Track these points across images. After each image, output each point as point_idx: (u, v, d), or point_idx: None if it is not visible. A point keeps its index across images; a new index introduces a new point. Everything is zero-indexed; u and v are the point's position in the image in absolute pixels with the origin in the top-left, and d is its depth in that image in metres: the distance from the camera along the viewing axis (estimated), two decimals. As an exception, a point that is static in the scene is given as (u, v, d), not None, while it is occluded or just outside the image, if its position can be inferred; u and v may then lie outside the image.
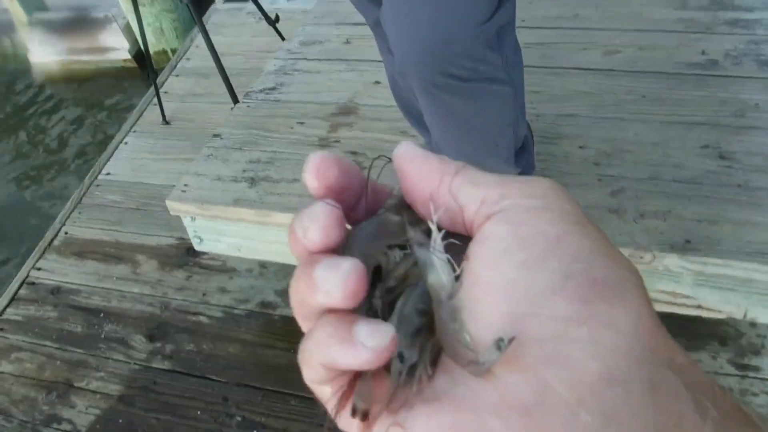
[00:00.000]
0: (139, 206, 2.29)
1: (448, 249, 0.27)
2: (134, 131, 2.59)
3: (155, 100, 2.58)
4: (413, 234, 0.29)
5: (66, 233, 2.26)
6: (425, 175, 0.28)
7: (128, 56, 3.56)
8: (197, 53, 2.91)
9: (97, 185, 2.40)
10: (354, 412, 0.26)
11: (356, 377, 0.26)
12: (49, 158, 3.36)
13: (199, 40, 2.97)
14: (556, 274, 0.23)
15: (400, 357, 0.26)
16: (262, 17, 2.51)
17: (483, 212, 0.26)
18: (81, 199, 2.36)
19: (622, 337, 0.22)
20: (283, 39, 2.51)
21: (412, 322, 0.27)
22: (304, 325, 0.28)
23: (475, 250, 0.25)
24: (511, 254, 0.24)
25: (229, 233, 1.75)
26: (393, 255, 0.29)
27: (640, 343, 0.23)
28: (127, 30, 3.49)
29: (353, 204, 0.30)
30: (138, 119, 2.65)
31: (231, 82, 2.23)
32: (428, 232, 0.28)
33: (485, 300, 0.24)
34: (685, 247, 1.49)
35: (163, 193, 2.29)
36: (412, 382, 0.25)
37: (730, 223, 1.50)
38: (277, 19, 2.51)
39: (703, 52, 1.95)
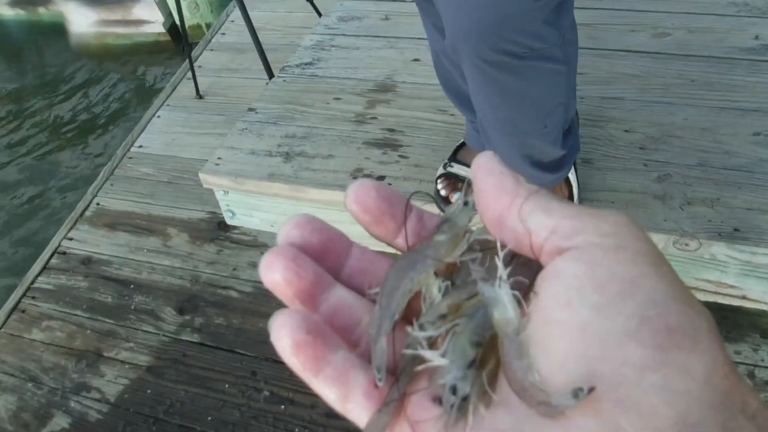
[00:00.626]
0: (171, 179, 2.28)
1: (512, 275, 0.27)
2: (167, 105, 2.58)
3: (189, 74, 2.57)
4: (475, 268, 0.29)
5: (98, 204, 2.25)
6: (498, 193, 0.28)
7: (162, 30, 3.55)
8: (233, 28, 2.88)
9: (130, 158, 2.39)
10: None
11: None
12: (82, 129, 3.37)
13: (235, 14, 2.94)
14: (631, 319, 0.23)
15: (453, 389, 0.26)
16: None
17: (553, 243, 0.26)
18: (113, 171, 2.36)
19: (696, 384, 0.22)
20: (320, 15, 2.47)
21: (466, 354, 0.27)
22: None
23: (546, 286, 0.26)
24: (585, 295, 0.24)
25: (263, 208, 1.73)
26: (440, 284, 0.29)
27: (714, 389, 0.22)
28: (162, 4, 3.48)
29: (397, 231, 0.31)
30: (171, 93, 2.63)
31: (267, 57, 2.20)
32: (486, 261, 0.29)
33: (557, 340, 0.24)
34: (733, 235, 1.44)
35: (196, 167, 2.28)
36: (464, 414, 0.26)
37: (782, 213, 1.44)
38: (314, -7, 2.48)
39: (756, 37, 1.88)
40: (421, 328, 0.28)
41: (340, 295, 0.32)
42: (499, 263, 0.28)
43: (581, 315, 0.24)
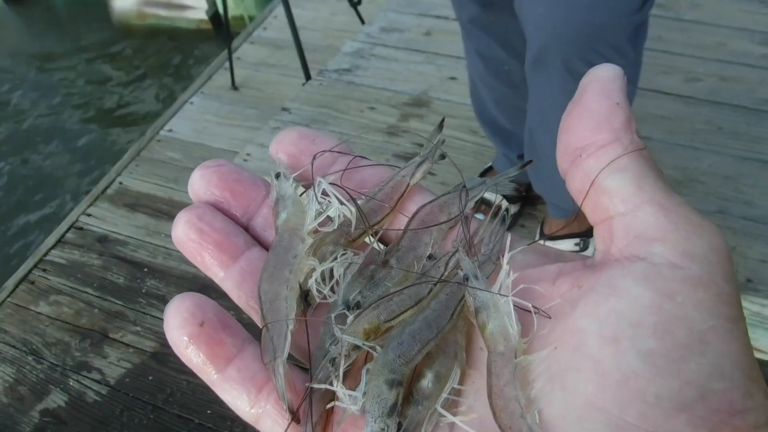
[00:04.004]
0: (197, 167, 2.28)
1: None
2: (202, 92, 2.59)
3: (227, 64, 2.57)
4: (467, 263, 0.24)
5: (120, 183, 2.26)
6: (598, 124, 0.24)
7: (205, 17, 3.56)
8: (275, 24, 2.89)
9: (158, 140, 2.40)
10: None
11: None
12: (114, 107, 3.39)
13: (279, 10, 2.95)
14: (690, 387, 0.18)
15: None
16: (344, -4, 2.48)
17: (624, 233, 0.21)
18: (140, 152, 2.37)
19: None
20: (363, 22, 2.47)
21: (383, 399, 0.23)
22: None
23: (591, 303, 0.20)
24: (640, 335, 0.18)
25: (285, 208, 1.73)
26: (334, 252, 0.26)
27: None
28: (208, -9, 3.49)
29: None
30: (207, 81, 2.64)
31: (306, 57, 2.21)
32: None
33: (586, 381, 0.19)
34: (745, 286, 1.44)
35: (224, 157, 2.27)
36: None
37: (800, 271, 1.43)
38: (359, 1, 2.47)
39: (788, 92, 1.88)
40: (333, 363, 0.25)
41: (252, 258, 0.29)
42: (505, 266, 0.23)
43: (628, 361, 0.18)
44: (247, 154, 1.72)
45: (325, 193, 0.28)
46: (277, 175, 0.26)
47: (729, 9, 2.22)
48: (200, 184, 0.31)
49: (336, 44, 2.72)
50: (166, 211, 2.14)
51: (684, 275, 0.19)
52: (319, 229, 0.28)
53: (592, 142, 0.23)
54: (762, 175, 1.65)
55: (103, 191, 2.24)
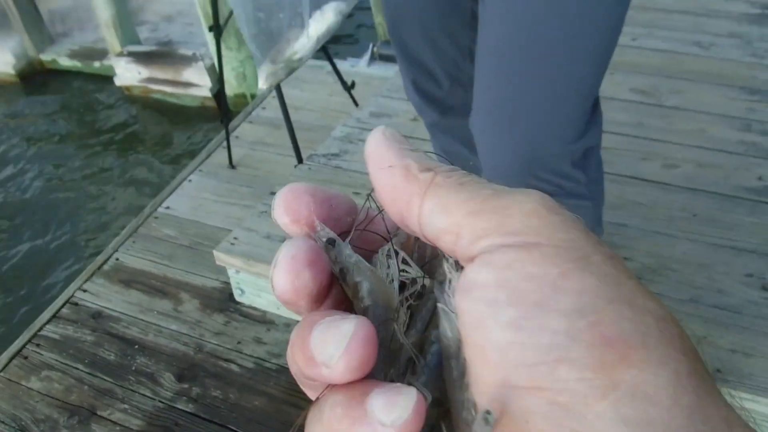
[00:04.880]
0: (192, 244, 2.35)
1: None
2: (200, 170, 2.68)
3: (225, 143, 2.68)
4: (435, 280, 0.23)
5: (117, 259, 2.33)
6: (392, 193, 0.23)
7: (209, 94, 3.71)
8: (273, 104, 2.99)
9: (156, 217, 2.48)
10: None
11: None
12: (115, 181, 3.49)
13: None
14: (557, 336, 0.18)
15: None
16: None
17: (461, 250, 0.21)
18: (137, 228, 2.44)
19: (657, 410, 0.17)
20: (356, 105, 2.58)
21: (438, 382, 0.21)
22: (310, 393, 0.23)
23: (460, 303, 0.20)
24: (498, 311, 0.19)
25: (270, 290, 1.78)
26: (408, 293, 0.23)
27: (683, 414, 0.17)
28: (212, 70, 3.64)
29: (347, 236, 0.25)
30: (206, 159, 2.74)
31: (301, 137, 2.29)
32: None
33: (480, 369, 0.20)
34: (715, 376, 1.45)
35: (218, 235, 2.36)
36: None
37: (765, 357, 1.46)
38: (353, 85, 2.59)
39: (760, 178, 1.93)
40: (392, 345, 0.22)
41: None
42: (447, 265, 0.22)
43: (497, 337, 0.19)
44: (234, 238, 1.79)
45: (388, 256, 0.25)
46: (332, 242, 0.24)
47: (710, 95, 2.29)
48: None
49: (332, 125, 2.83)
50: (159, 288, 2.20)
51: (515, 245, 0.20)
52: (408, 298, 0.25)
53: (400, 211, 0.23)
54: (735, 263, 1.70)
55: (100, 267, 2.31)
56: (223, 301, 2.12)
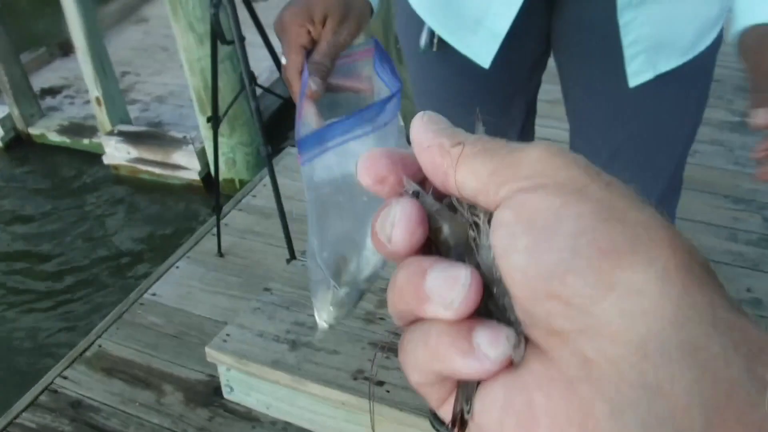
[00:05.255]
0: (178, 333, 2.33)
1: None
2: (188, 257, 2.68)
3: (214, 230, 2.69)
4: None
5: (100, 346, 2.29)
6: (434, 172, 0.26)
7: (197, 177, 3.74)
8: (264, 192, 3.04)
9: (141, 304, 2.46)
10: (457, 418, 0.24)
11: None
12: (101, 264, 3.46)
13: (268, 180, 3.11)
14: (563, 253, 0.21)
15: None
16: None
17: (491, 202, 0.24)
18: (122, 314, 2.42)
19: (649, 301, 0.20)
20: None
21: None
22: (402, 325, 0.26)
23: (493, 242, 0.24)
24: (516, 240, 0.22)
25: (261, 390, 1.77)
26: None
27: (671, 302, 0.20)
28: (201, 153, 3.69)
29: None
30: (194, 246, 2.74)
31: (292, 228, 2.32)
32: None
33: (509, 288, 0.23)
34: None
35: (204, 325, 2.35)
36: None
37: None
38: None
39: (749, 290, 1.98)
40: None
41: None
42: (483, 216, 0.26)
43: (516, 261, 0.22)
44: (227, 335, 1.79)
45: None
46: (417, 194, 0.27)
47: (695, 203, 2.33)
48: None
49: (320, 216, 2.87)
50: (142, 378, 2.17)
51: (527, 188, 0.23)
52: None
53: (444, 187, 0.26)
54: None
55: (82, 353, 2.27)
56: (207, 395, 2.09)
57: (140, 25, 5.43)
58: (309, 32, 0.70)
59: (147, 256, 3.41)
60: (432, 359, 0.24)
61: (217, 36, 2.02)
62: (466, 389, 0.24)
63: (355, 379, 1.67)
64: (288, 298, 1.92)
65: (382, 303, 1.92)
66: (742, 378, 0.19)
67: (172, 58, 4.63)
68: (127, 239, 3.58)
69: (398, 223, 0.25)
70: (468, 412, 0.24)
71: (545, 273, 0.21)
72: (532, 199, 0.23)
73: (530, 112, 1.23)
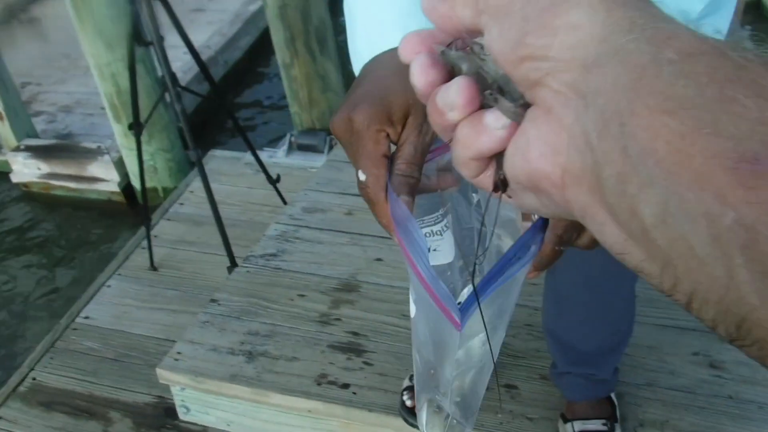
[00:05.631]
0: (118, 356, 2.20)
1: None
2: (119, 274, 2.54)
3: (144, 243, 2.56)
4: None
5: (34, 379, 2.15)
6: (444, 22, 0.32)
7: (116, 189, 3.56)
8: (192, 198, 2.92)
9: (74, 329, 2.32)
10: (499, 181, 0.31)
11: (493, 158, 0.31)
12: (22, 291, 3.24)
13: (195, 185, 2.99)
14: (519, 23, 0.27)
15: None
16: (260, 169, 2.55)
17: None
18: (54, 342, 2.27)
19: (583, 31, 0.25)
20: (285, 202, 2.55)
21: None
22: (446, 136, 0.32)
23: (485, 45, 0.30)
24: (491, 32, 0.28)
25: (220, 407, 1.69)
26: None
27: (598, 26, 0.25)
28: (119, 164, 3.51)
29: None
30: (124, 261, 2.61)
31: (229, 233, 2.23)
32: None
33: (503, 70, 0.29)
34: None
35: (146, 345, 2.23)
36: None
37: (726, 437, 1.51)
38: (278, 179, 2.56)
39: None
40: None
41: None
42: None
43: (495, 46, 0.28)
44: (178, 353, 1.69)
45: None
46: (442, 52, 0.33)
47: None
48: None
49: (256, 219, 2.78)
50: (85, 408, 2.04)
51: None
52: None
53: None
54: (680, 342, 1.74)
55: (15, 389, 2.12)
56: (157, 417, 1.99)
57: (33, 27, 5.12)
58: (388, 135, 0.54)
59: (73, 277, 3.22)
60: (465, 148, 0.31)
61: (135, 37, 1.90)
62: (499, 159, 0.31)
63: (319, 384, 1.61)
64: (237, 307, 1.84)
65: (336, 303, 1.86)
66: (651, 62, 0.23)
67: (75, 64, 4.39)
68: (48, 262, 3.37)
69: (414, 70, 0.32)
70: (503, 176, 0.31)
71: (512, 44, 0.27)
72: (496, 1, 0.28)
73: None
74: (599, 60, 0.24)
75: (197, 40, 2.16)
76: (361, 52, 0.60)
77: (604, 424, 1.45)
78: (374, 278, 1.94)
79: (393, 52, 0.58)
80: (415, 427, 1.47)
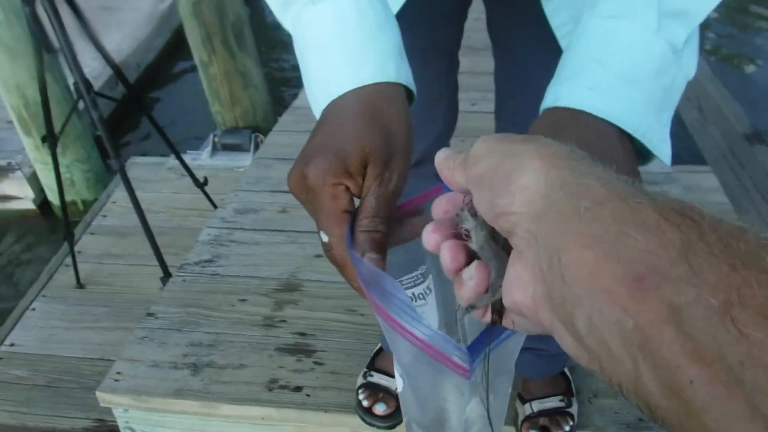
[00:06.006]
0: (50, 382, 2.08)
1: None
2: (43, 296, 2.41)
3: (67, 260, 2.43)
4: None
5: (-40, 415, 2.01)
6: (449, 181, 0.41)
7: (32, 206, 3.38)
8: (114, 210, 2.80)
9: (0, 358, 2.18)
10: (496, 316, 0.39)
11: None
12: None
13: (117, 195, 2.87)
14: (489, 188, 0.35)
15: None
16: (185, 173, 2.46)
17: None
18: (-21, 374, 2.13)
19: (531, 191, 0.32)
20: (214, 206, 2.46)
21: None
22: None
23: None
24: (478, 200, 0.37)
25: (167, 424, 1.61)
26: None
27: (541, 185, 0.31)
28: (32, 179, 3.33)
29: None
30: (48, 282, 2.47)
31: (159, 242, 2.13)
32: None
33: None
34: (638, 425, 1.51)
35: (79, 367, 2.12)
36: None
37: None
38: (206, 182, 2.47)
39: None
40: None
41: None
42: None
43: (482, 210, 0.37)
44: (118, 373, 1.60)
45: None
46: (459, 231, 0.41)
47: None
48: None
49: (184, 224, 2.68)
50: (20, 440, 1.92)
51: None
52: None
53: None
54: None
55: (-61, 428, 1.98)
56: (99, 441, 1.89)
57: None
58: (347, 188, 0.48)
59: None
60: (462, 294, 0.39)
61: (41, 44, 1.78)
62: (494, 301, 0.38)
63: (271, 390, 1.56)
64: (176, 319, 1.76)
65: (280, 304, 1.81)
66: (575, 210, 0.29)
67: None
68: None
69: (445, 258, 0.40)
70: (498, 307, 0.38)
71: (488, 204, 0.35)
72: (478, 167, 0.37)
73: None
74: (543, 210, 0.31)
75: (108, 43, 2.04)
76: (317, 98, 0.56)
77: (561, 400, 1.45)
78: (315, 275, 1.89)
79: (349, 95, 0.54)
80: (372, 425, 1.44)
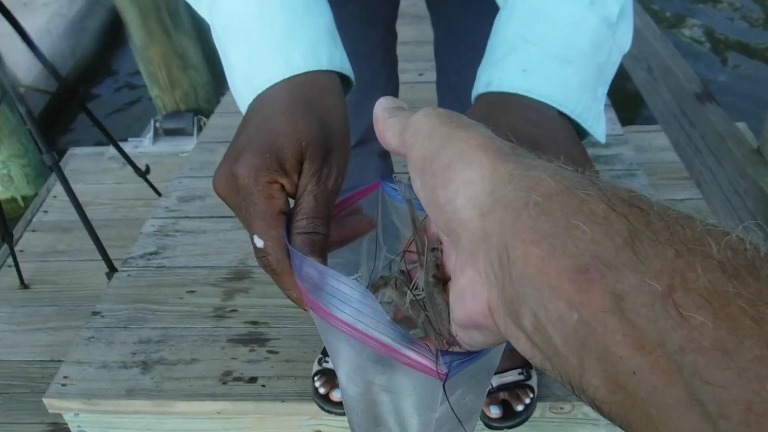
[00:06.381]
0: (0, 389, 2.02)
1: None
2: (-15, 300, 2.32)
3: (9, 261, 2.34)
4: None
5: None
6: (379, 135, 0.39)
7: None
8: (56, 204, 2.70)
9: (-57, 369, 2.10)
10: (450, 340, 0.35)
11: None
12: None
13: (57, 189, 2.77)
14: (430, 181, 0.33)
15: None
16: (126, 162, 2.38)
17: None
18: None
19: (475, 186, 0.30)
20: (159, 194, 2.39)
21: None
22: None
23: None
24: (420, 194, 0.35)
25: (121, 425, 1.57)
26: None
27: (486, 180, 0.30)
28: (-36, 177, 3.20)
29: None
30: (-10, 285, 2.38)
31: (102, 236, 2.05)
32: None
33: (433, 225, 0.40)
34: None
35: (28, 371, 2.05)
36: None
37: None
38: (148, 170, 2.39)
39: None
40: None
41: None
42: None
43: (427, 209, 0.35)
44: (65, 377, 1.55)
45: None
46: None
47: None
48: None
49: (130, 215, 2.60)
50: (-28, 454, 1.86)
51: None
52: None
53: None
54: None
55: None
56: (54, 446, 1.84)
57: None
58: (283, 187, 0.44)
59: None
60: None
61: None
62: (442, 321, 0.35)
63: (225, 383, 1.52)
64: (123, 316, 1.71)
65: (230, 294, 1.77)
66: (524, 205, 0.27)
67: None
68: None
69: None
70: (449, 331, 0.35)
71: (430, 194, 0.33)
72: (418, 149, 0.34)
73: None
74: (490, 207, 0.29)
75: (35, 24, 1.94)
76: (241, 92, 0.51)
77: (520, 373, 1.45)
78: (266, 261, 1.85)
79: (278, 87, 0.49)
80: (330, 412, 1.42)
